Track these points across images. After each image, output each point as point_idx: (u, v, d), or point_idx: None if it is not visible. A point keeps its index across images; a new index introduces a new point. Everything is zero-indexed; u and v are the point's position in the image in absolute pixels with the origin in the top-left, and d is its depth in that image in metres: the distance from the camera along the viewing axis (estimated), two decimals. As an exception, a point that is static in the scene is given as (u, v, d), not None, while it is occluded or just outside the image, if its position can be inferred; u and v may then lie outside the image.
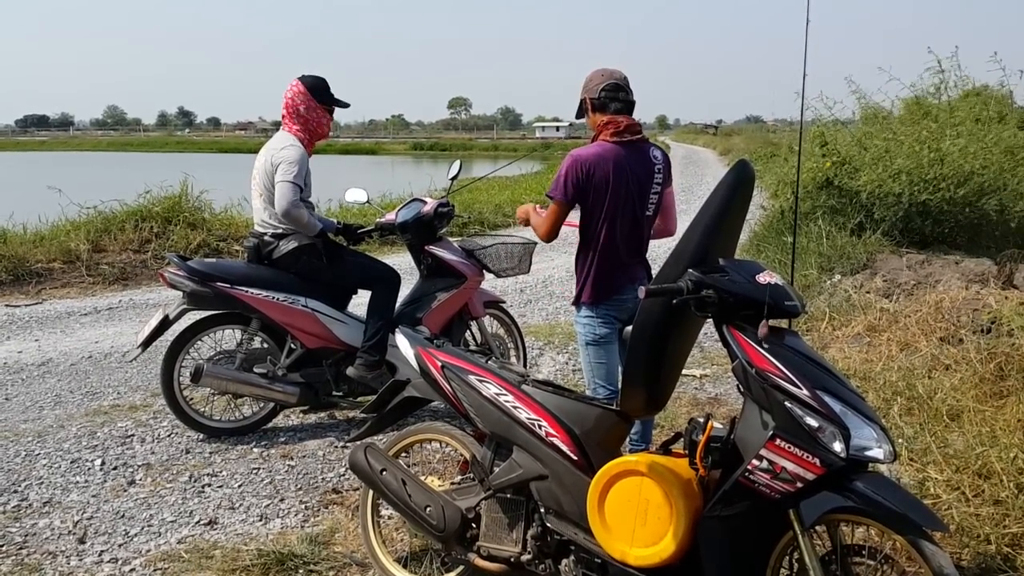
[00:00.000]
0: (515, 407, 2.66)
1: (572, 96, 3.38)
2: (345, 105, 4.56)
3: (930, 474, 3.49)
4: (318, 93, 4.38)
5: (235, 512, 3.63)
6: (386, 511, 3.31)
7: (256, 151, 4.56)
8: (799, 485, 2.14)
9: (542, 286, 8.68)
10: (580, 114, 3.34)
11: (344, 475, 3.98)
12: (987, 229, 9.36)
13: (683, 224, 2.61)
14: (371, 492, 3.03)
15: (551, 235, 3.32)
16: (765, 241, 9.55)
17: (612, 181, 3.15)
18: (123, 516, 3.57)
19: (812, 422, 2.13)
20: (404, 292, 4.69)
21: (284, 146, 4.31)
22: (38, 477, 3.92)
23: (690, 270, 2.26)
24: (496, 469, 2.74)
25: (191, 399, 4.50)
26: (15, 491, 3.77)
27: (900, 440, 3.77)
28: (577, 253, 3.35)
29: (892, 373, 4.66)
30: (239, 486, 3.88)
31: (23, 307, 7.47)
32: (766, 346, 2.20)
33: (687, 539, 2.30)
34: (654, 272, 2.74)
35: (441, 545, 2.86)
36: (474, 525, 2.79)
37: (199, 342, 4.47)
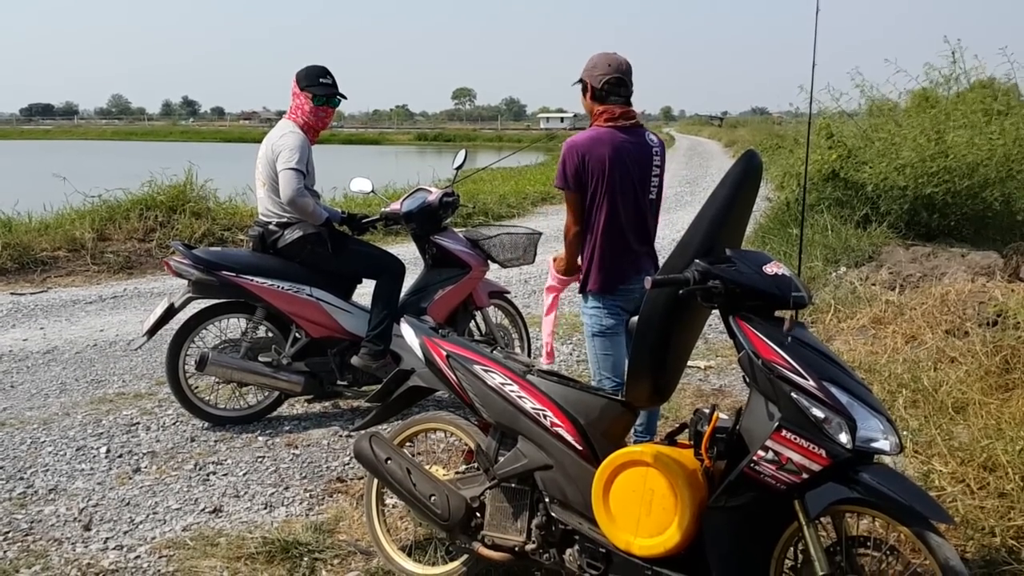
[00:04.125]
0: (520, 397, 2.66)
1: (576, 87, 3.35)
2: (337, 93, 4.42)
3: (935, 466, 3.49)
4: (301, 80, 4.36)
5: (240, 500, 3.64)
6: (391, 500, 3.32)
7: (260, 141, 4.56)
8: (805, 476, 2.13)
9: (546, 277, 8.65)
10: (584, 91, 3.29)
11: (349, 464, 3.99)
12: (993, 221, 9.34)
13: (690, 215, 2.60)
14: (376, 481, 3.04)
15: (578, 224, 3.29)
16: (770, 233, 9.53)
17: (609, 163, 3.14)
18: (128, 503, 3.58)
19: (818, 413, 2.12)
20: (409, 282, 4.69)
21: (283, 133, 4.32)
22: (43, 464, 3.94)
23: (697, 260, 2.25)
24: (501, 459, 2.74)
25: (196, 387, 4.51)
26: (21, 478, 3.78)
27: (905, 432, 3.76)
28: (582, 241, 3.33)
29: (897, 365, 4.66)
30: (244, 474, 3.89)
31: (28, 295, 7.49)
32: (782, 339, 2.19)
33: (692, 529, 2.30)
34: (661, 264, 2.73)
35: (445, 534, 2.87)
36: (478, 514, 2.79)
37: (204, 331, 4.47)
